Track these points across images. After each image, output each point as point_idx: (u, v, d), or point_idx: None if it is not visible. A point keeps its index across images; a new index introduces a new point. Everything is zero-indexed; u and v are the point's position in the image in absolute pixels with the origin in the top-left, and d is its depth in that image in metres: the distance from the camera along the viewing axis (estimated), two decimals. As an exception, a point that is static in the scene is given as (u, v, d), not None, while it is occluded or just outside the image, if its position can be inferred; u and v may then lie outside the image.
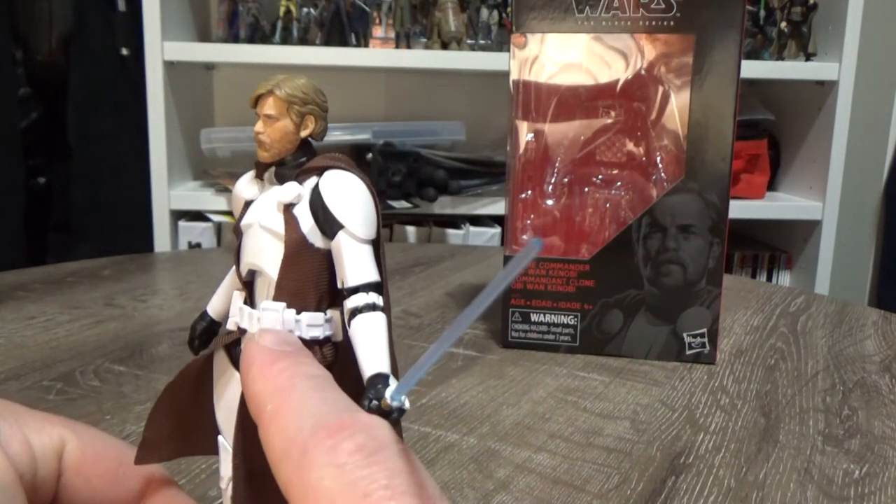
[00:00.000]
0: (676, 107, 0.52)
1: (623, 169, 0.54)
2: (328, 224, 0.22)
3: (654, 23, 0.51)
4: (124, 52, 1.44)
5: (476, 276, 0.76)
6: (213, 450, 0.24)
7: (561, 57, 0.53)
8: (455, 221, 1.51)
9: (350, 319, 0.22)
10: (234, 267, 0.26)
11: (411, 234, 1.49)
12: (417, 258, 0.85)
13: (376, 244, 0.23)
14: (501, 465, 0.38)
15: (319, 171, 0.23)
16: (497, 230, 1.49)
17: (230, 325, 0.24)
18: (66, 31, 1.45)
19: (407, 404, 0.19)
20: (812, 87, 1.52)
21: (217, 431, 0.24)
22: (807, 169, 1.58)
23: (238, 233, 0.24)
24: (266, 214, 0.23)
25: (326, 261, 0.23)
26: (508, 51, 0.54)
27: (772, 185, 1.65)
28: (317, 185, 0.22)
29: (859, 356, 0.56)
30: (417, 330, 0.59)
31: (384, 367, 0.21)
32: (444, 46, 1.46)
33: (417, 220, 1.50)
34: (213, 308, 0.27)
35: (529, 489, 0.36)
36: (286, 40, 1.44)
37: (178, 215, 1.42)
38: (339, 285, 0.22)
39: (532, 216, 0.55)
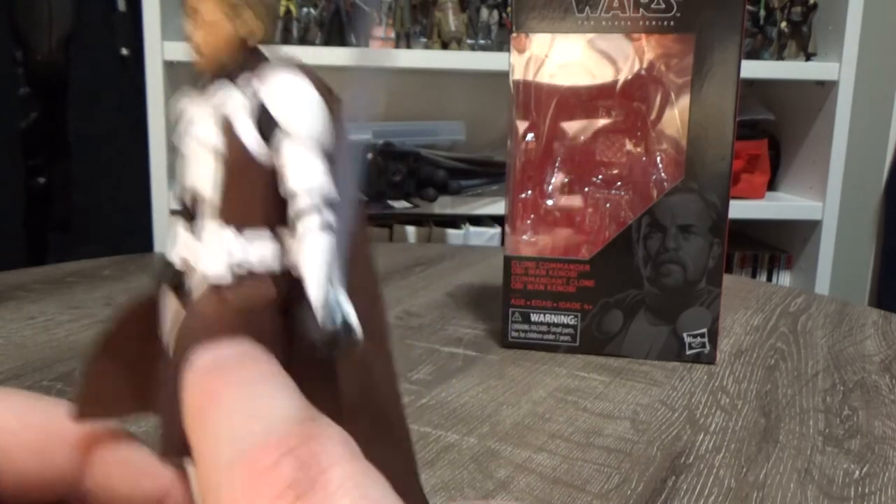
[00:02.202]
0: (676, 107, 0.52)
1: (623, 169, 0.54)
2: (268, 127, 0.19)
3: (654, 23, 0.51)
4: (124, 52, 1.44)
5: (476, 276, 0.76)
6: None
7: (561, 57, 0.53)
8: (455, 221, 1.51)
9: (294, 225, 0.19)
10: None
11: (411, 234, 1.49)
12: (417, 258, 0.85)
13: (332, 161, 0.19)
14: (501, 465, 0.38)
15: (265, 76, 0.20)
16: (497, 230, 1.49)
17: (174, 259, 0.21)
18: (66, 31, 1.45)
19: (352, 318, 0.16)
20: (812, 87, 1.52)
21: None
22: (807, 169, 1.58)
23: (177, 152, 0.22)
24: (203, 128, 0.20)
25: (272, 176, 0.19)
26: (508, 51, 0.54)
27: (772, 185, 1.65)
28: (258, 89, 0.20)
29: (859, 356, 0.56)
30: (418, 330, 0.59)
31: (312, 290, 0.17)
32: (444, 46, 1.46)
33: (417, 220, 1.50)
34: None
35: (529, 489, 0.36)
36: (286, 40, 1.44)
37: (178, 215, 1.42)
38: (282, 193, 0.19)
39: (532, 216, 0.55)
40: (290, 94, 0.19)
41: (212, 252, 0.19)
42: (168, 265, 0.21)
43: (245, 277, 0.19)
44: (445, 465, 0.38)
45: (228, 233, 0.19)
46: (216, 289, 0.19)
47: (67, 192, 1.47)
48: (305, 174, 0.18)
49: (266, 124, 0.19)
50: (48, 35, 1.45)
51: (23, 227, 1.44)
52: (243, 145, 0.19)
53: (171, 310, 0.21)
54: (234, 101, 0.19)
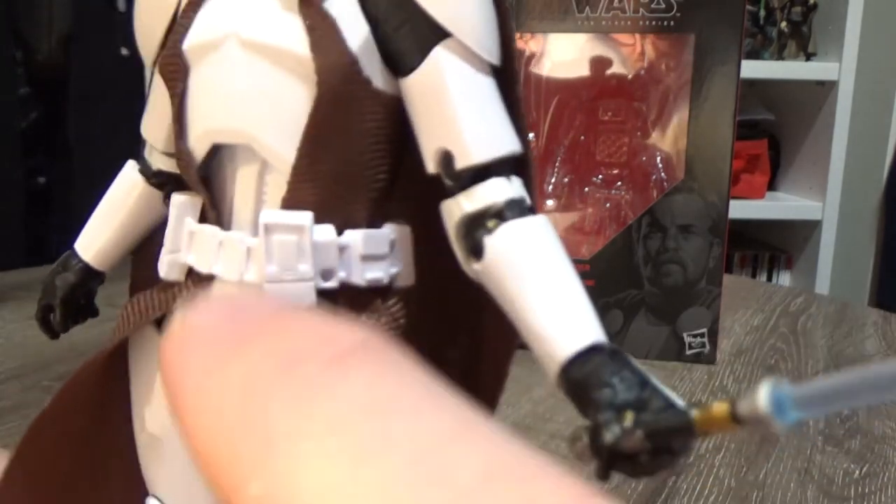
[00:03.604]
0: (676, 107, 0.52)
1: (623, 169, 0.54)
2: (404, 30, 0.10)
3: (654, 23, 0.51)
4: (124, 52, 1.44)
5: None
6: None
7: (561, 57, 0.53)
8: (455, 221, 1.51)
9: (479, 237, 0.11)
10: (131, 168, 0.15)
11: (411, 234, 1.49)
12: (417, 258, 0.85)
13: (507, 79, 0.12)
14: (502, 464, 0.38)
15: None
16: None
17: (167, 271, 0.13)
18: (66, 31, 1.45)
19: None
20: (812, 87, 1.52)
21: (139, 488, 0.13)
22: (807, 169, 1.58)
23: (173, 66, 0.12)
24: (256, 18, 0.11)
25: (389, 118, 0.11)
26: (508, 51, 0.54)
27: (772, 185, 1.65)
28: None
29: (859, 356, 0.56)
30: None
31: (598, 331, 0.11)
32: (444, 46, 1.46)
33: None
34: (91, 245, 0.15)
35: (530, 489, 0.36)
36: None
37: (178, 215, 1.42)
38: (433, 166, 0.11)
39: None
40: None
41: (278, 257, 0.10)
42: (151, 290, 0.13)
43: (343, 303, 0.11)
44: (445, 465, 0.38)
45: (307, 218, 0.10)
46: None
47: (67, 192, 1.47)
48: (489, 131, 0.10)
49: (396, 11, 0.10)
50: (48, 35, 1.45)
51: (23, 227, 1.44)
52: (350, 53, 0.10)
53: (151, 373, 0.13)
54: None
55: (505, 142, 0.11)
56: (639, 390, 0.10)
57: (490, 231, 0.10)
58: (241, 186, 0.11)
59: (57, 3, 1.43)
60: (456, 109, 0.10)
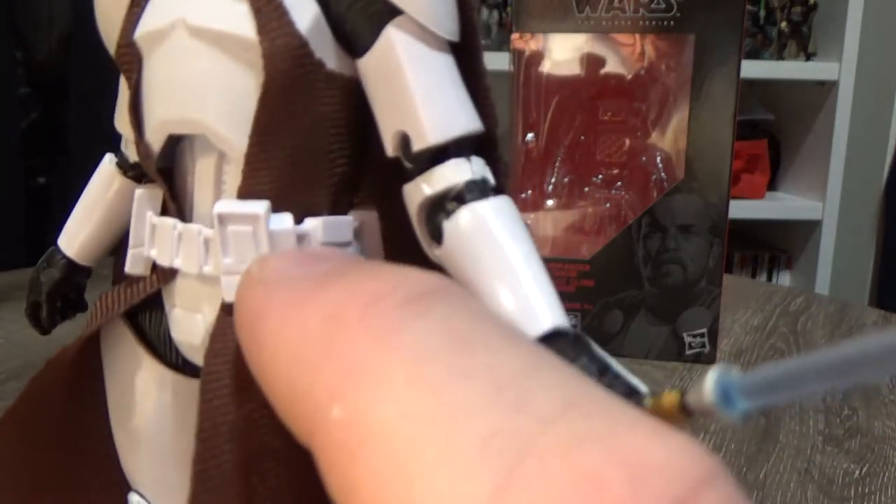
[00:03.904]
0: (676, 107, 0.52)
1: (623, 169, 0.54)
2: (355, 9, 0.10)
3: (654, 23, 0.51)
4: (124, 52, 1.44)
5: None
6: None
7: (561, 57, 0.53)
8: (455, 221, 1.51)
9: (438, 221, 0.10)
10: (109, 161, 0.14)
11: (411, 234, 1.49)
12: (417, 258, 0.85)
13: (468, 57, 0.11)
14: (501, 465, 0.38)
15: None
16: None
17: (133, 267, 0.13)
18: (66, 31, 1.45)
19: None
20: (812, 87, 1.52)
21: (119, 485, 0.13)
22: (807, 169, 1.58)
23: (127, 56, 0.12)
24: (203, 2, 0.11)
25: (346, 102, 0.11)
26: (508, 51, 0.54)
27: (772, 185, 1.65)
28: None
29: (859, 356, 0.56)
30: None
31: (558, 316, 0.12)
32: (444, 46, 1.46)
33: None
34: (73, 240, 0.15)
35: (529, 489, 0.36)
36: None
37: (178, 215, 1.42)
38: (392, 149, 0.11)
39: (532, 216, 0.55)
40: None
41: (239, 247, 0.10)
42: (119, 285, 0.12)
43: None
44: (445, 465, 0.38)
45: (263, 207, 0.10)
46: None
47: (67, 192, 1.47)
48: (446, 111, 0.10)
49: None
50: (48, 35, 1.45)
51: (23, 227, 1.44)
52: (298, 34, 0.10)
53: (124, 365, 0.12)
54: None
55: (461, 121, 0.10)
56: (597, 378, 0.10)
57: (449, 214, 0.10)
58: (201, 177, 0.11)
59: (57, 3, 1.44)
60: (409, 90, 0.10)
